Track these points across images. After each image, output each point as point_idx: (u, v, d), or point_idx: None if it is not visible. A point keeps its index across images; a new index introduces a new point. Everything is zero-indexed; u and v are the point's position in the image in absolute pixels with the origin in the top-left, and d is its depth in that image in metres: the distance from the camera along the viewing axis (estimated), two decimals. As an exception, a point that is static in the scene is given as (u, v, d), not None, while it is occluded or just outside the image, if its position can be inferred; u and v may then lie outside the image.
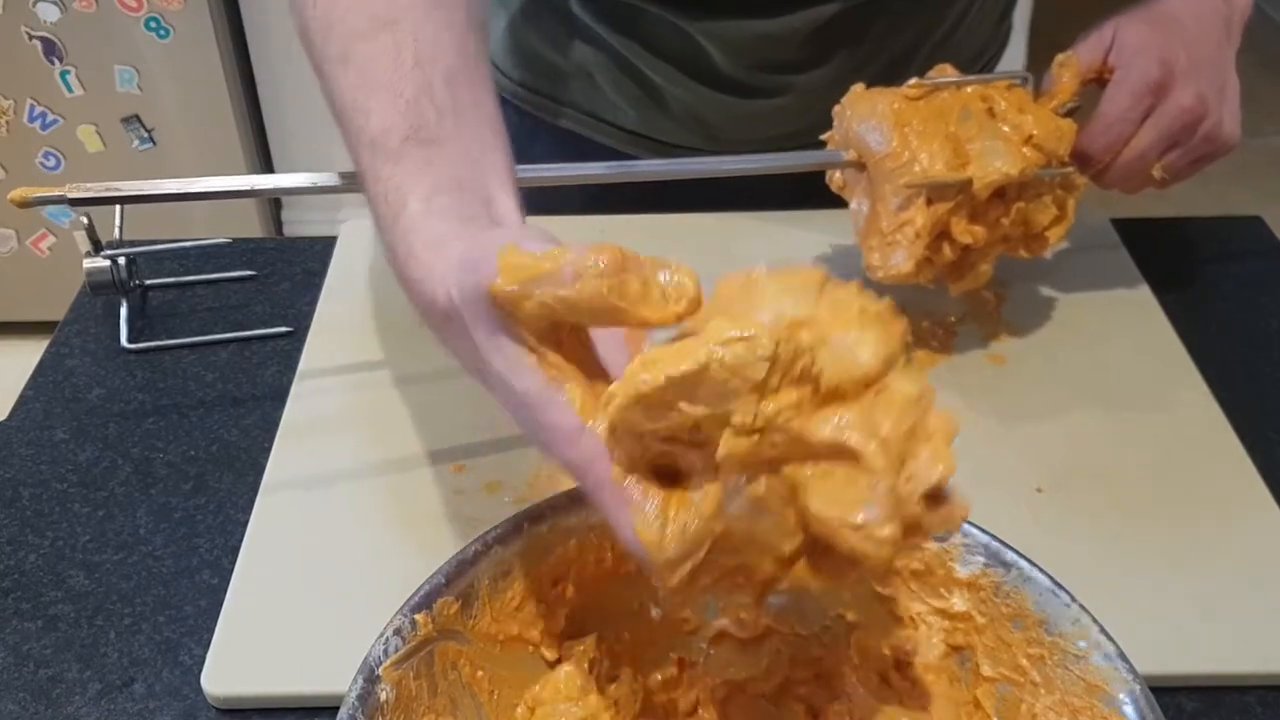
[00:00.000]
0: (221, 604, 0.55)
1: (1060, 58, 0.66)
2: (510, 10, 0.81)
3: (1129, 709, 0.41)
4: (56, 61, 1.75)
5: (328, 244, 0.79)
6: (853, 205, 0.67)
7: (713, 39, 0.74)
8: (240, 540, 0.58)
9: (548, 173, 0.65)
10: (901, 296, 0.72)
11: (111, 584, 0.58)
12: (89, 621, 0.56)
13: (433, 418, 0.65)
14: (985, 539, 0.47)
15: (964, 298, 0.73)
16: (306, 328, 0.72)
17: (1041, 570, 0.45)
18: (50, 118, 1.81)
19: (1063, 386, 0.67)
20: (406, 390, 0.67)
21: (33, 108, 1.79)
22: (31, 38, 1.72)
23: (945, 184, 0.61)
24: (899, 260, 0.63)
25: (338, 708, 0.41)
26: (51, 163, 1.85)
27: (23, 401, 0.69)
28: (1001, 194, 0.63)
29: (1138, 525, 0.59)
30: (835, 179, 0.68)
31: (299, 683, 0.52)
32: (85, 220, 0.71)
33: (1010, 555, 0.46)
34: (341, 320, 0.72)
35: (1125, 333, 0.71)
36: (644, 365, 0.35)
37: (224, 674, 0.52)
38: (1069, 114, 0.65)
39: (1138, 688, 0.42)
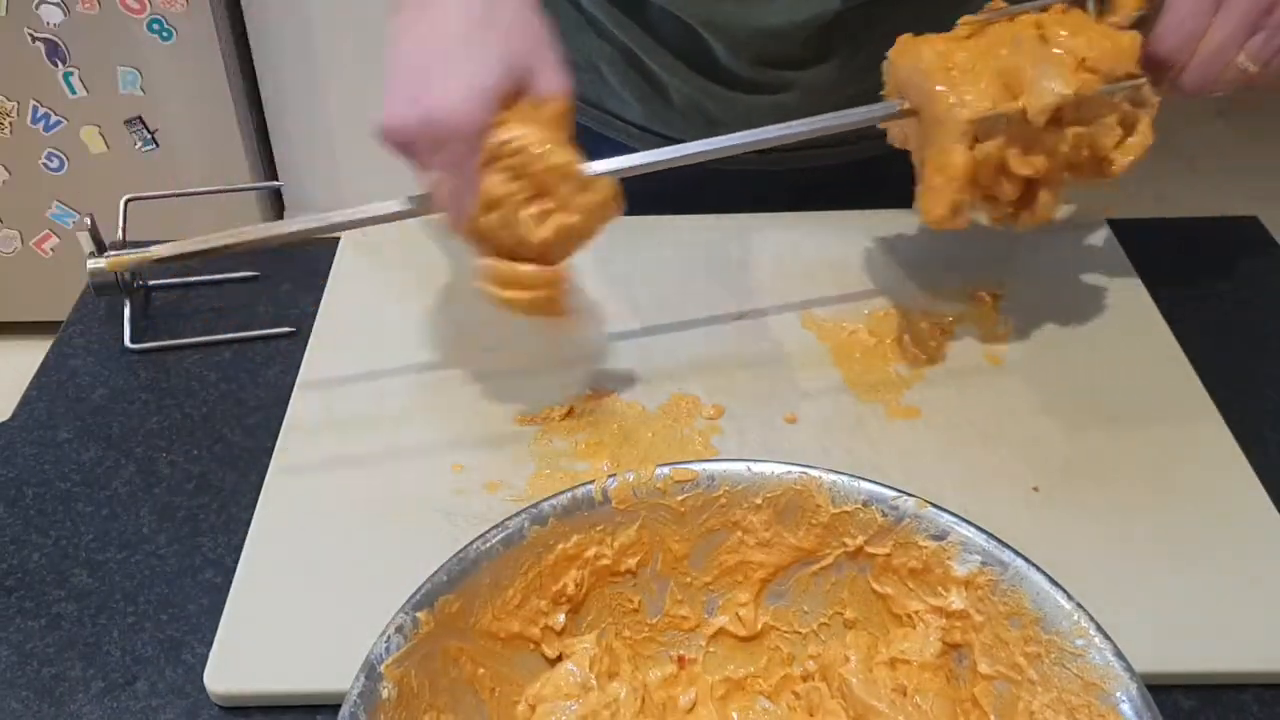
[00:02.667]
0: (224, 602, 0.56)
1: None
2: None
3: (1126, 707, 0.42)
4: (59, 63, 1.76)
5: (330, 245, 0.79)
6: (915, 159, 0.65)
7: (714, 31, 0.75)
8: (243, 539, 0.59)
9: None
10: (901, 296, 0.73)
11: (115, 582, 0.58)
12: (92, 620, 0.56)
13: (433, 418, 0.66)
14: (982, 537, 0.47)
15: (962, 298, 0.74)
16: (309, 328, 0.72)
17: (1038, 569, 0.46)
18: (53, 119, 1.81)
19: (1059, 386, 0.68)
20: (407, 390, 0.68)
21: (36, 109, 1.80)
22: (35, 39, 1.73)
23: (996, 117, 0.59)
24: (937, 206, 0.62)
25: (340, 705, 0.42)
26: (55, 164, 1.85)
27: (26, 401, 0.69)
28: (1058, 119, 0.61)
29: (1134, 524, 0.59)
30: (895, 134, 0.67)
31: (301, 680, 0.52)
32: (89, 221, 0.72)
33: (1007, 554, 0.46)
34: (344, 321, 0.73)
35: (1122, 332, 0.72)
36: None
37: (227, 672, 0.53)
38: (1137, 25, 0.62)
39: (1134, 685, 0.42)
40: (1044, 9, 0.62)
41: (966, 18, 0.63)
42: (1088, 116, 0.61)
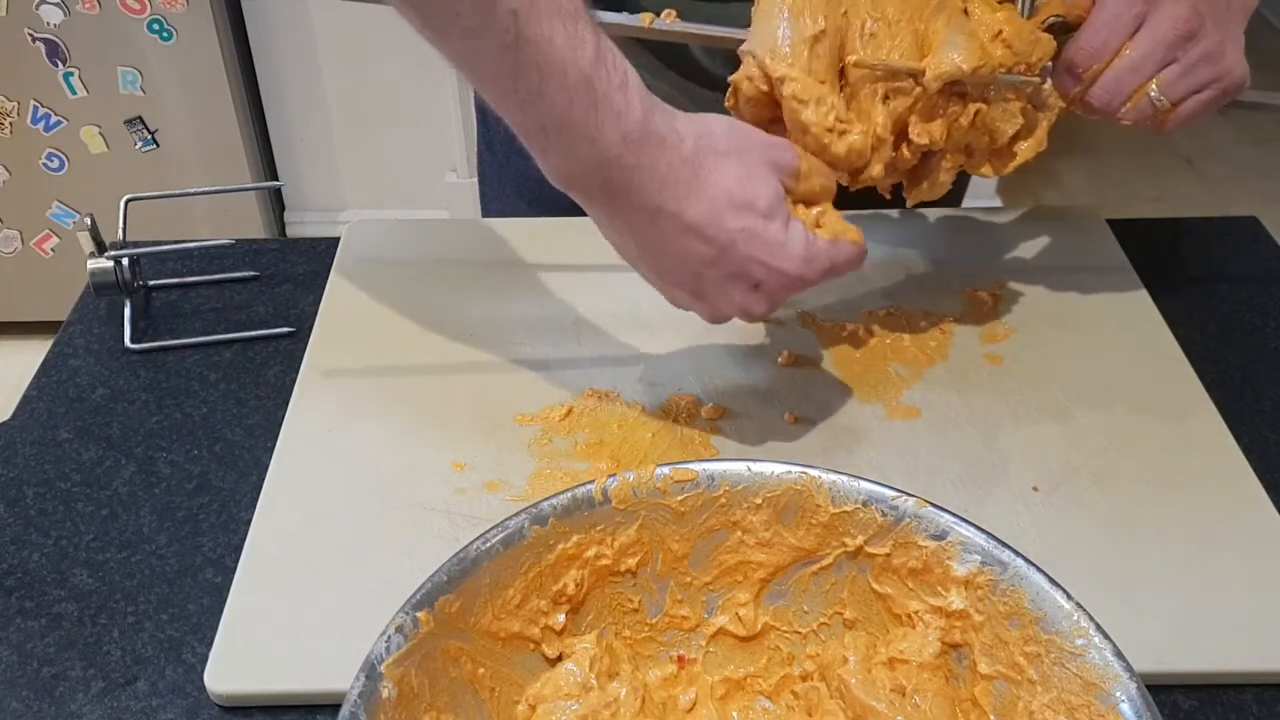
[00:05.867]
0: (224, 602, 0.56)
1: None
2: None
3: (1125, 707, 0.42)
4: (60, 63, 1.76)
5: (330, 244, 0.79)
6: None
7: None
8: (243, 539, 0.59)
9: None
10: (901, 296, 0.73)
11: (115, 582, 0.58)
12: (92, 620, 0.56)
13: (433, 417, 0.66)
14: (982, 537, 0.47)
15: (962, 298, 0.74)
16: (309, 328, 0.72)
17: (1038, 568, 0.46)
18: (54, 119, 1.81)
19: (1059, 386, 0.68)
20: (407, 389, 0.68)
21: (36, 109, 1.80)
22: (35, 39, 1.73)
23: (896, 68, 0.59)
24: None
25: (340, 705, 0.42)
26: (55, 164, 1.85)
27: (26, 401, 0.69)
28: (961, 93, 0.61)
29: (1134, 524, 0.59)
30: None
31: (301, 680, 0.52)
32: (89, 221, 0.72)
33: (1007, 554, 0.46)
34: (343, 320, 0.73)
35: (1122, 333, 0.72)
36: None
37: (227, 672, 0.53)
38: (1051, 29, 0.63)
39: (1134, 685, 0.42)
40: None
41: None
42: (992, 97, 0.62)
